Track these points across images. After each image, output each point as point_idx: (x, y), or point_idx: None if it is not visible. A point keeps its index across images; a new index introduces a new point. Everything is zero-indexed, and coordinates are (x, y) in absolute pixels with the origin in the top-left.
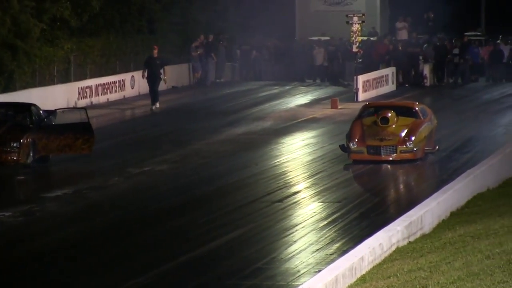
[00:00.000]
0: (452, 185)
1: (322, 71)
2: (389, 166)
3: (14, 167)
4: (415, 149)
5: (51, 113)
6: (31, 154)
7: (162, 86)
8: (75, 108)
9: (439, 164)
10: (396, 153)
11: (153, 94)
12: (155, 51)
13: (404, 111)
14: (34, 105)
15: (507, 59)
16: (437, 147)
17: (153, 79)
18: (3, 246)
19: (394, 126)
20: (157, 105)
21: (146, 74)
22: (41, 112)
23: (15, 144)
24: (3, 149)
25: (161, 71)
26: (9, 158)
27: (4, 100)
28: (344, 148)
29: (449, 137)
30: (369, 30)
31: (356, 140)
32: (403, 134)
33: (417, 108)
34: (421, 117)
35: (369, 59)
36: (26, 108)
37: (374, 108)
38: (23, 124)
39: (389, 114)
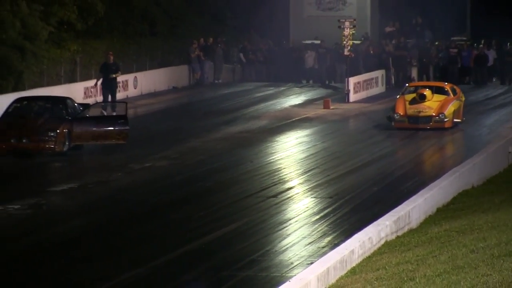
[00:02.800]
0: (439, 182)
1: (313, 73)
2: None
3: (51, 155)
4: (445, 119)
5: (86, 106)
6: (67, 143)
7: (160, 86)
8: (118, 101)
9: (426, 162)
10: (431, 122)
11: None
12: (111, 57)
13: (438, 90)
14: (70, 98)
15: (493, 62)
16: (464, 119)
17: (108, 86)
18: (11, 237)
19: (430, 101)
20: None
21: (101, 80)
22: (76, 105)
23: (52, 134)
24: (41, 138)
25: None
26: (46, 146)
27: (13, 99)
28: (390, 118)
29: (435, 136)
30: (362, 35)
31: (399, 112)
32: (436, 108)
33: (448, 88)
34: (452, 95)
35: (358, 62)
36: (62, 101)
37: (414, 87)
38: (60, 115)
39: (426, 92)
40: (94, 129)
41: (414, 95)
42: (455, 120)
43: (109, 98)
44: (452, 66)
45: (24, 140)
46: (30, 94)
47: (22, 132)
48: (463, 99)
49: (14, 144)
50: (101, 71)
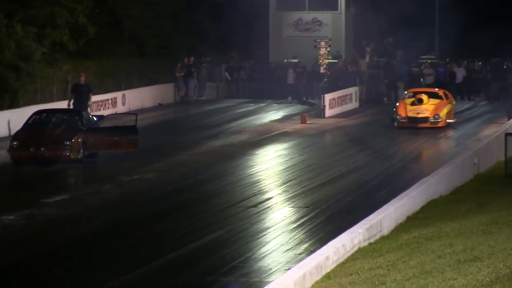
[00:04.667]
0: (408, 192)
1: (292, 90)
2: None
3: (67, 162)
4: (440, 120)
5: (100, 117)
6: (82, 151)
7: (147, 103)
8: (128, 113)
9: (397, 173)
10: (427, 122)
11: None
12: (82, 78)
13: (433, 95)
14: (85, 110)
15: (462, 80)
16: (455, 119)
17: (79, 106)
18: (6, 246)
19: (426, 104)
20: None
21: (72, 101)
22: (90, 116)
23: (67, 143)
24: (58, 147)
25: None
26: (63, 154)
27: (8, 115)
28: (393, 119)
29: (405, 149)
30: (334, 53)
31: (401, 113)
32: (432, 110)
33: (441, 93)
34: (445, 99)
35: (334, 79)
36: (78, 113)
37: (413, 93)
38: (75, 126)
39: (423, 96)
40: (106, 138)
41: (413, 99)
42: (448, 120)
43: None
44: (416, 83)
45: (42, 149)
46: (25, 112)
47: (41, 141)
48: (454, 103)
49: (33, 152)
50: (72, 91)
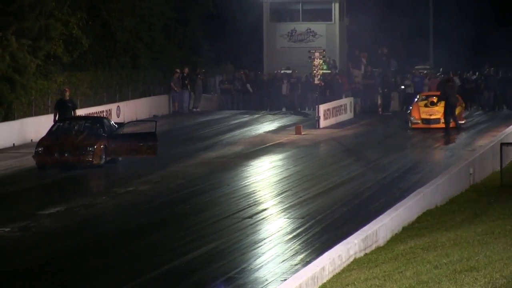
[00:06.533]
0: (404, 202)
1: (286, 101)
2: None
3: (89, 167)
4: (451, 120)
5: (121, 125)
6: (103, 157)
7: (142, 115)
8: (148, 120)
9: (392, 184)
10: (439, 123)
11: None
12: (67, 93)
13: None
14: (106, 118)
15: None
16: (465, 120)
17: None
18: (2, 258)
19: (438, 106)
20: None
21: (57, 117)
22: (112, 123)
23: (90, 149)
24: (81, 152)
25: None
26: (86, 159)
27: (4, 128)
28: (407, 121)
29: (400, 159)
30: (330, 63)
31: (415, 115)
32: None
33: None
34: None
35: (328, 90)
36: (100, 120)
37: (426, 96)
38: (97, 133)
39: (435, 99)
40: (127, 144)
41: (426, 101)
42: (459, 122)
43: None
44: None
45: (66, 154)
46: (20, 124)
47: (64, 147)
48: (464, 105)
49: (57, 158)
50: (57, 108)
